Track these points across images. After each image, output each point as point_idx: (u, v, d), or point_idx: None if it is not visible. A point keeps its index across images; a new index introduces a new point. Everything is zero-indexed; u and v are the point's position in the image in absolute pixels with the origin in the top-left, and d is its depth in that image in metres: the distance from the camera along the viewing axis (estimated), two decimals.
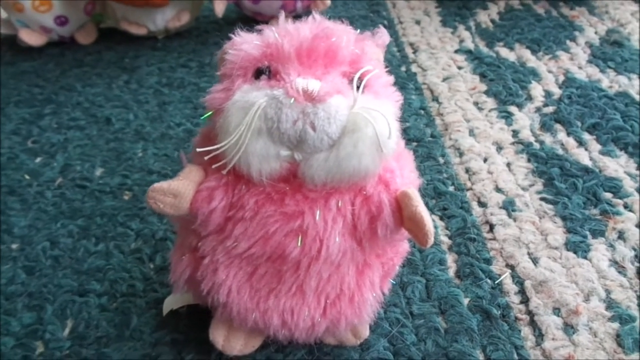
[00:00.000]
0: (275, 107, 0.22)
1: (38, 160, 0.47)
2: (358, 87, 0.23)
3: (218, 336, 0.29)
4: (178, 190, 0.24)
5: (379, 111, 0.22)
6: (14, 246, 0.39)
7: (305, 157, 0.23)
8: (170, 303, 0.33)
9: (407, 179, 0.25)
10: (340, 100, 0.22)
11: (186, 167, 0.25)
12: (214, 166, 0.23)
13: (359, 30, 0.25)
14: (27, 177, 0.45)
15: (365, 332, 0.31)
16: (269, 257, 0.25)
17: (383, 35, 0.26)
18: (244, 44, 0.24)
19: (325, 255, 0.24)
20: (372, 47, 0.25)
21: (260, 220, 0.24)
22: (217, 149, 0.23)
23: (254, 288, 0.26)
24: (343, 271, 0.25)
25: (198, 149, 0.24)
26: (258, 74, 0.23)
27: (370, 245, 0.25)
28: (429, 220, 0.23)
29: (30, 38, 0.62)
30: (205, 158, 0.23)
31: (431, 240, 0.23)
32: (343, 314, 0.26)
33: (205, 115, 0.24)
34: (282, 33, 0.23)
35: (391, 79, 0.25)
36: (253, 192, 0.24)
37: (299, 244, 0.24)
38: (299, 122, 0.22)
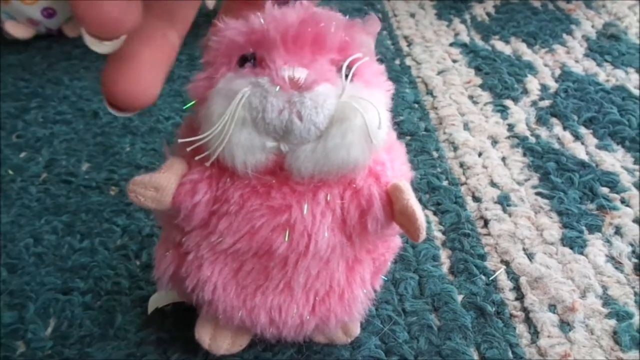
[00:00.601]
0: (260, 96, 0.21)
1: (22, 155, 0.46)
2: (347, 76, 0.22)
3: (204, 335, 0.28)
4: (160, 184, 0.23)
5: (368, 100, 0.21)
6: None
7: (292, 148, 0.21)
8: (156, 301, 0.32)
9: (399, 172, 0.24)
10: (328, 89, 0.21)
11: (168, 160, 0.24)
12: (196, 158, 0.22)
13: (348, 17, 0.24)
14: (10, 172, 0.44)
15: (356, 330, 0.30)
16: (256, 253, 0.24)
17: (374, 23, 0.25)
18: (228, 31, 0.23)
19: (313, 250, 0.23)
20: (362, 34, 0.24)
21: (245, 214, 0.23)
22: (200, 139, 0.21)
23: (240, 285, 0.25)
24: (332, 267, 0.25)
25: (180, 140, 0.22)
26: (242, 61, 0.22)
27: (360, 240, 0.24)
28: (420, 214, 0.22)
29: (17, 31, 0.61)
30: (188, 149, 0.22)
31: (423, 235, 0.22)
32: (333, 312, 0.25)
33: (188, 105, 0.23)
34: (268, 19, 0.22)
35: (382, 67, 0.24)
36: (238, 185, 0.23)
37: (286, 239, 0.23)
38: (284, 111, 0.21)
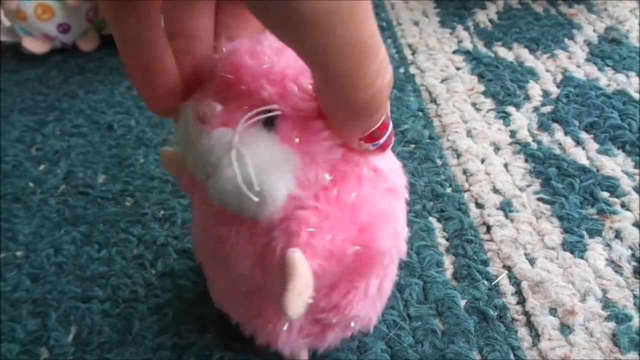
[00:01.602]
0: (188, 120, 0.23)
1: (42, 167, 0.48)
2: (265, 123, 0.22)
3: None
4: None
5: (249, 156, 0.21)
6: (19, 253, 0.40)
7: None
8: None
9: (321, 242, 0.22)
10: (223, 133, 0.21)
11: None
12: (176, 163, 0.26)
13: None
14: (31, 184, 0.46)
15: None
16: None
17: None
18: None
19: (236, 273, 0.25)
20: (306, 85, 0.22)
21: (199, 215, 0.27)
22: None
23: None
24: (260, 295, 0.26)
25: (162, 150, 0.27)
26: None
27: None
28: (291, 298, 0.21)
29: (34, 46, 0.63)
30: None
31: (286, 314, 0.21)
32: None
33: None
34: (224, 57, 0.23)
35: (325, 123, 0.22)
36: (197, 188, 0.26)
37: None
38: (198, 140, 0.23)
